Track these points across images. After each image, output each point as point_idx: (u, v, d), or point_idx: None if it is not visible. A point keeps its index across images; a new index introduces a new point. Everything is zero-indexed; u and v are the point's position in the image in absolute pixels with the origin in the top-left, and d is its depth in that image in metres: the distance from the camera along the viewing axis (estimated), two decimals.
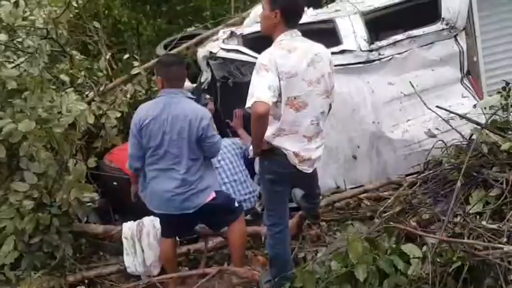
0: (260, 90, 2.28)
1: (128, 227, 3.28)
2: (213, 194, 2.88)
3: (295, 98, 2.41)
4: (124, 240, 3.24)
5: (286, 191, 2.71)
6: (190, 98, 2.92)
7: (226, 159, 3.60)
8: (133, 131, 2.85)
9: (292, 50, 2.40)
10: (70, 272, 3.38)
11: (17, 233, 3.21)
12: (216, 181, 3.02)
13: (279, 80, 2.34)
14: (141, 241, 3.20)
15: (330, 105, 2.66)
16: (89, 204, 3.50)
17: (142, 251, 3.19)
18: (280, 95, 2.37)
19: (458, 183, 2.56)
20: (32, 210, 3.21)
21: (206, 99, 3.70)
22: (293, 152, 2.48)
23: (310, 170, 2.59)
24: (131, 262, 3.20)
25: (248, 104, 2.30)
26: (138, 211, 3.57)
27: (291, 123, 2.45)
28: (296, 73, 2.39)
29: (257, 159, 3.78)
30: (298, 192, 2.98)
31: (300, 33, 2.50)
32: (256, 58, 3.56)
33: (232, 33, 4.02)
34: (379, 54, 3.80)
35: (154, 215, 3.12)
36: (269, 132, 2.45)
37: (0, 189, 3.27)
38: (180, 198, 2.81)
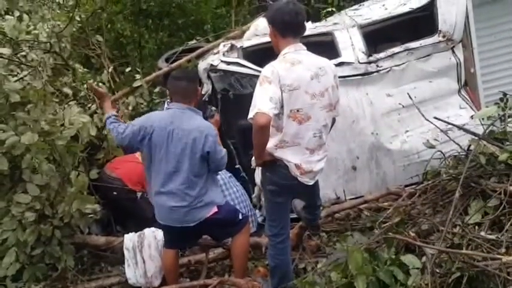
0: (262, 102, 2.31)
1: (129, 238, 3.29)
2: (215, 209, 2.88)
3: (298, 110, 2.43)
4: (125, 252, 3.25)
5: (288, 202, 2.73)
6: (197, 113, 2.94)
7: (232, 193, 3.65)
8: (136, 126, 2.88)
9: (295, 63, 2.44)
10: (72, 283, 3.40)
11: (19, 245, 3.22)
12: (220, 195, 3.02)
13: (281, 92, 2.37)
14: (142, 252, 3.21)
15: (334, 118, 2.69)
16: (90, 215, 3.51)
17: (144, 262, 3.19)
18: (282, 107, 2.40)
19: (457, 194, 2.58)
20: (34, 222, 3.23)
21: (212, 111, 3.74)
22: (295, 164, 2.50)
23: (311, 182, 2.60)
24: (132, 273, 3.21)
25: (250, 115, 2.33)
26: (139, 220, 3.60)
27: (293, 136, 2.47)
28: (299, 86, 2.41)
29: (258, 171, 3.82)
30: (298, 203, 3.00)
31: (304, 48, 2.53)
32: (256, 71, 3.64)
33: (232, 46, 4.08)
34: (377, 66, 3.84)
35: (156, 225, 3.13)
36: (271, 143, 2.48)
37: (3, 201, 3.28)
38: (181, 212, 2.83)
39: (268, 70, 2.41)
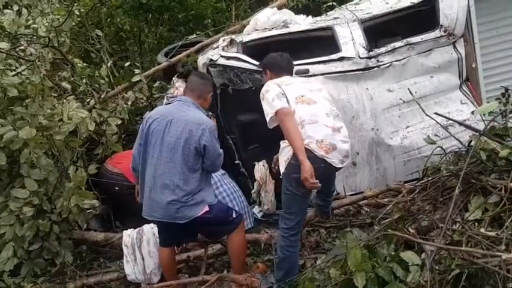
0: (274, 104, 2.66)
1: (128, 235, 3.29)
2: (206, 208, 2.83)
3: (302, 95, 2.75)
4: (124, 248, 3.25)
5: (309, 195, 2.79)
6: (201, 110, 2.94)
7: (225, 189, 3.64)
8: (140, 130, 2.93)
9: (286, 80, 2.89)
10: (70, 279, 3.40)
11: (16, 240, 3.22)
12: (212, 195, 2.96)
13: (280, 87, 2.74)
14: (141, 249, 3.21)
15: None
16: (89, 211, 3.50)
17: (143, 258, 3.19)
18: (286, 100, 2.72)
19: (457, 190, 2.56)
20: (32, 217, 3.23)
21: (209, 115, 3.73)
22: (316, 141, 2.61)
23: (340, 165, 2.72)
24: (131, 270, 3.20)
25: (268, 118, 2.70)
26: (139, 216, 3.59)
27: (308, 115, 2.69)
28: (294, 83, 2.81)
29: (257, 166, 3.80)
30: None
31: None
32: (255, 65, 3.62)
33: (232, 41, 4.05)
34: (378, 61, 3.81)
35: (154, 222, 3.12)
36: None
37: (1, 196, 3.28)
38: (173, 208, 2.79)
39: (264, 87, 2.82)
